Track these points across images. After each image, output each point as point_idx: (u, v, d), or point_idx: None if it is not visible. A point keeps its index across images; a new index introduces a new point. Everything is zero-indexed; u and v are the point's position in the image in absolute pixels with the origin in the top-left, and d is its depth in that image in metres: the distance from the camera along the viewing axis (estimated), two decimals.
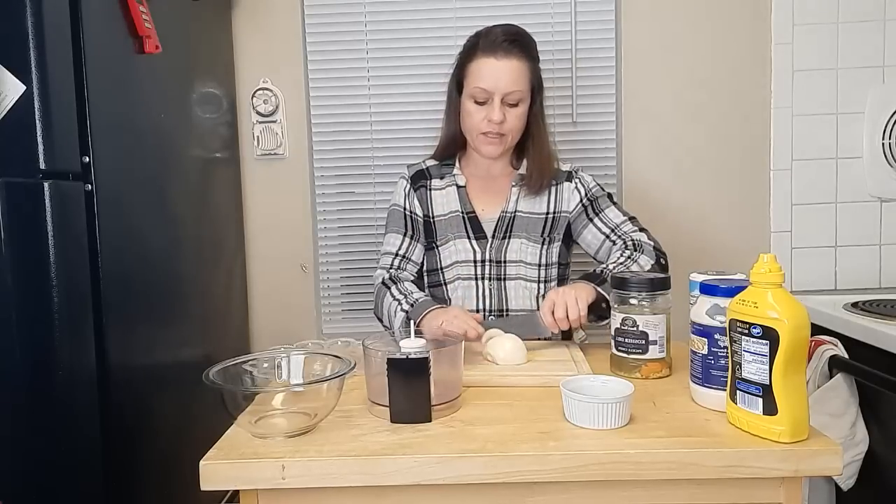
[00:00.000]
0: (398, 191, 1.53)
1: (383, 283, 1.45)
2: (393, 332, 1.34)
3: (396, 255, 1.49)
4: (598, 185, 1.49)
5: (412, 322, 1.26)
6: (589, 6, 1.86)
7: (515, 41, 1.37)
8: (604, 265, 1.33)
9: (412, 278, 1.49)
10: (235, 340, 1.86)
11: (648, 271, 1.32)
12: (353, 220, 1.95)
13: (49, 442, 1.10)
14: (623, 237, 1.41)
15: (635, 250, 1.35)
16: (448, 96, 1.48)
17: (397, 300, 1.38)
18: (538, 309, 1.43)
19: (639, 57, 1.88)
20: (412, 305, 1.35)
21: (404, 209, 1.51)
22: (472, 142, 1.44)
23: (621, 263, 1.32)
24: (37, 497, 1.10)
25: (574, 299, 1.22)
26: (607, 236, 1.43)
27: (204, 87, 1.68)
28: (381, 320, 1.45)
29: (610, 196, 1.49)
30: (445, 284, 1.47)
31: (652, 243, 1.39)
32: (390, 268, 1.48)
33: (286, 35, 1.90)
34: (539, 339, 1.35)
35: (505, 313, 1.44)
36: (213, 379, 0.91)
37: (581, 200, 1.46)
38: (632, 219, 1.45)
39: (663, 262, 1.37)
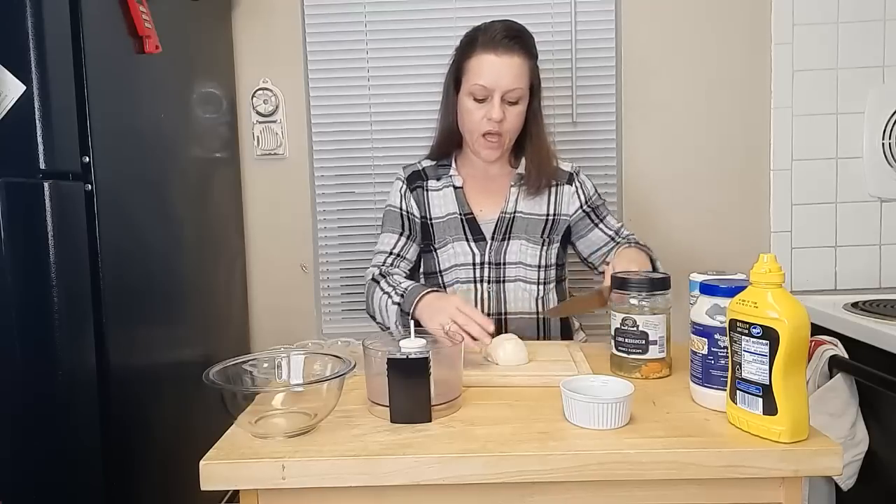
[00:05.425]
0: (394, 192, 1.51)
1: (373, 278, 1.42)
2: (389, 329, 1.33)
3: (390, 253, 1.46)
4: (597, 192, 1.52)
5: (406, 312, 1.26)
6: (589, 6, 1.86)
7: (516, 38, 1.35)
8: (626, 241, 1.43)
9: (404, 274, 1.45)
10: (235, 340, 1.86)
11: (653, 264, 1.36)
12: (353, 220, 1.95)
13: (49, 442, 1.10)
14: (626, 238, 1.47)
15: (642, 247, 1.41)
16: (444, 92, 1.46)
17: (387, 293, 1.34)
18: (538, 311, 1.44)
19: (639, 57, 1.88)
20: (402, 295, 1.30)
21: (401, 209, 1.49)
22: (471, 143, 1.42)
23: (639, 244, 1.42)
24: (37, 497, 1.10)
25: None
26: (612, 238, 1.47)
27: (204, 87, 1.68)
28: (373, 318, 1.41)
29: (604, 204, 1.52)
30: (444, 288, 1.46)
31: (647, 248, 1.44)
32: (382, 265, 1.45)
33: (286, 35, 1.90)
34: (540, 340, 1.35)
35: (504, 316, 1.43)
36: (213, 379, 0.91)
37: (581, 206, 1.47)
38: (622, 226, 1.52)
39: (659, 264, 1.40)
